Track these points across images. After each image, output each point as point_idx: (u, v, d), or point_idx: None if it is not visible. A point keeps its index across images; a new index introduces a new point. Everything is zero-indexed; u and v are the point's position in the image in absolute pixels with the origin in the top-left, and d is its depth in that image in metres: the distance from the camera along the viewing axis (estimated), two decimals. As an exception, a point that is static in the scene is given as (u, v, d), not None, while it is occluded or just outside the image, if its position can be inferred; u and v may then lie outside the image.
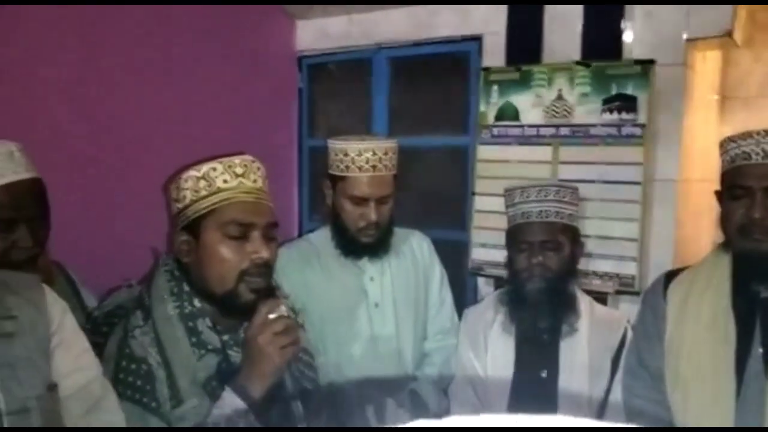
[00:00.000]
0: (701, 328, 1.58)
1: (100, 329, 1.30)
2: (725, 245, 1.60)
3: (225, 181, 1.30)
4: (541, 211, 1.79)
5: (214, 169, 1.31)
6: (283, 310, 1.27)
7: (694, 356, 1.57)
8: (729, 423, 1.50)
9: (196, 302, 1.32)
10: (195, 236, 1.31)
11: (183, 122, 2.47)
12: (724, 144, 1.57)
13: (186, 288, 1.32)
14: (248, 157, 1.36)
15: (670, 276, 1.71)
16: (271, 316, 1.25)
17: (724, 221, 1.55)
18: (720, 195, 1.58)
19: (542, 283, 1.76)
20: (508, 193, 1.90)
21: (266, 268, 1.31)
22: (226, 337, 1.33)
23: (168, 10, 2.37)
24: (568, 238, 1.80)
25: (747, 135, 1.50)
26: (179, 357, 1.26)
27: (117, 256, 1.99)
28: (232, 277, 1.28)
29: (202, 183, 1.30)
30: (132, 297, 1.36)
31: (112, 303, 1.37)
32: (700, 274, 1.65)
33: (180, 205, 1.33)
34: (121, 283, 1.46)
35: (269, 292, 1.31)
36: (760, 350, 1.50)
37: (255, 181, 1.35)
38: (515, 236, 1.84)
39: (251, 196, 1.32)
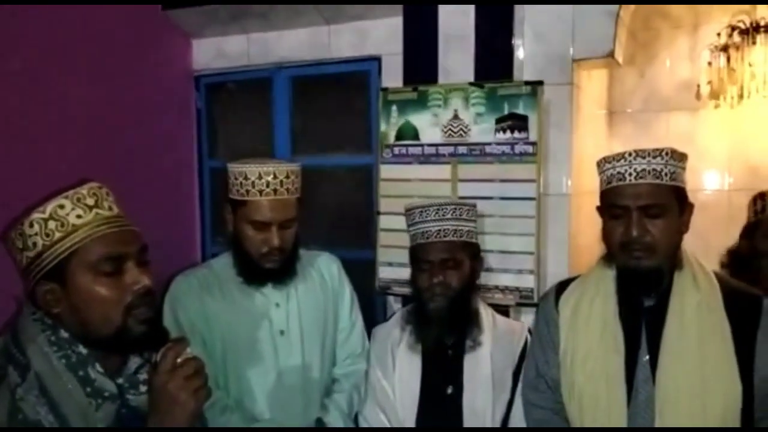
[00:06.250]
0: (592, 337, 1.64)
1: None
2: (609, 258, 1.66)
3: (79, 217, 1.21)
4: (439, 230, 1.84)
5: (62, 207, 1.21)
6: (189, 352, 1.20)
7: (587, 365, 1.63)
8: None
9: (81, 348, 1.21)
10: (60, 283, 1.20)
11: (77, 141, 2.34)
12: (600, 164, 1.63)
13: (64, 335, 1.21)
14: (95, 184, 1.27)
15: (561, 287, 1.78)
16: (179, 360, 1.17)
17: (606, 238, 1.61)
18: (601, 211, 1.65)
19: (444, 302, 1.81)
20: (408, 212, 1.95)
21: (150, 296, 1.24)
22: (120, 380, 1.25)
23: (64, 24, 2.25)
24: (467, 255, 1.86)
25: (620, 156, 1.57)
26: (76, 412, 1.16)
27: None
28: (118, 314, 1.20)
29: (52, 224, 1.19)
30: None
31: None
32: (588, 285, 1.71)
33: (31, 254, 1.21)
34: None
35: (157, 326, 1.25)
36: (647, 357, 1.57)
37: (110, 208, 1.26)
38: (416, 255, 1.88)
39: (113, 225, 1.23)
